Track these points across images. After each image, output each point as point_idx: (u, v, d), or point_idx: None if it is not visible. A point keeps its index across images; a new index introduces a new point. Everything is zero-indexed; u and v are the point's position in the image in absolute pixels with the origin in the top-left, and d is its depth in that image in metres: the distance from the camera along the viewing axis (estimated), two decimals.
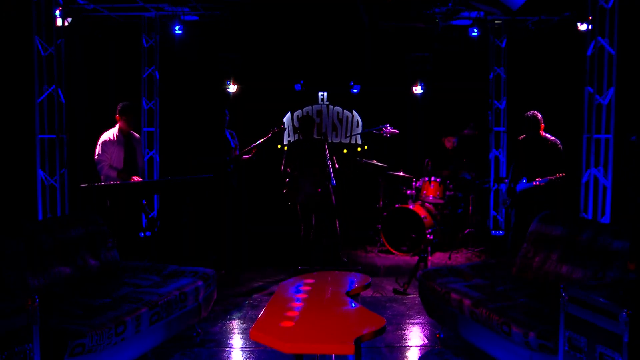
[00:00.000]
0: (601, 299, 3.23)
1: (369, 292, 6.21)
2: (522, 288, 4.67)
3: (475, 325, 4.37)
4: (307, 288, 4.45)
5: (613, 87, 6.44)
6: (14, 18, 6.74)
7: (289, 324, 3.65)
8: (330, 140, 10.43)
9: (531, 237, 5.06)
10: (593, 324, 3.25)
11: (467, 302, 4.41)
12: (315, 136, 7.50)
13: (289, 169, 7.25)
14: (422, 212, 8.36)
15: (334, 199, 7.08)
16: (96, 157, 6.75)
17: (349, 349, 3.30)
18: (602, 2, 6.40)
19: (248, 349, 4.79)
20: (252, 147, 7.72)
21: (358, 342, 3.36)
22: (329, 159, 6.77)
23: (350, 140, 10.52)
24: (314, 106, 10.62)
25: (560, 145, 6.71)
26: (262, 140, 7.66)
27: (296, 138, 10.57)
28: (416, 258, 7.09)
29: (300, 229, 7.39)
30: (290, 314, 3.84)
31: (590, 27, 6.73)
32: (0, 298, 3.84)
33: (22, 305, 3.27)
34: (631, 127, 7.00)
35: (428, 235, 8.18)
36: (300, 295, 4.25)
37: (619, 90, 6.44)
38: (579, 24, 7.95)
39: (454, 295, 4.58)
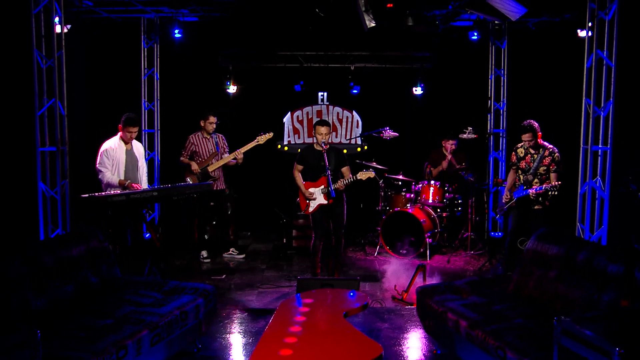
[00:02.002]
0: (594, 335, 3.28)
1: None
2: (518, 307, 4.71)
3: (471, 347, 4.42)
4: (306, 309, 4.51)
5: (612, 99, 6.45)
6: (14, 30, 6.73)
7: (287, 352, 3.71)
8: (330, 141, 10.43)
9: (528, 255, 5.11)
10: (586, 358, 3.31)
11: (463, 323, 4.46)
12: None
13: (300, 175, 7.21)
14: (421, 216, 8.41)
15: (345, 209, 7.03)
16: (97, 165, 6.77)
17: None
18: (602, 14, 6.39)
19: None
20: (237, 153, 7.81)
21: None
22: (329, 168, 6.73)
23: (350, 141, 10.54)
24: (314, 106, 10.62)
25: (558, 153, 6.74)
26: (248, 146, 7.83)
27: (295, 139, 10.59)
28: (415, 262, 7.15)
29: (310, 237, 7.36)
30: (288, 340, 3.90)
31: (590, 33, 6.74)
32: (3, 324, 3.93)
33: (25, 340, 3.32)
34: (629, 139, 7.02)
35: (427, 239, 8.25)
36: (298, 318, 4.31)
37: (617, 102, 6.45)
38: (578, 31, 7.93)
39: (450, 315, 4.63)
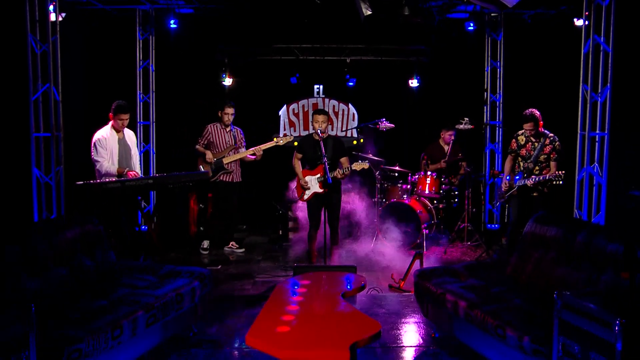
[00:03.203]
0: (595, 307, 3.25)
1: (364, 289, 6.23)
2: (516, 290, 4.70)
3: (470, 327, 4.40)
4: (303, 290, 4.47)
5: (609, 85, 6.44)
6: (7, 15, 6.67)
7: (284, 329, 3.67)
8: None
9: (526, 238, 5.09)
10: (587, 331, 3.28)
11: (462, 304, 4.43)
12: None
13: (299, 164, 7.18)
14: (417, 207, 8.38)
15: (341, 200, 7.03)
16: (94, 156, 6.62)
17: (345, 356, 3.32)
18: None
19: (245, 350, 4.80)
20: (257, 149, 7.78)
21: (353, 348, 3.38)
22: (325, 155, 6.67)
23: (346, 134, 10.50)
24: (309, 99, 10.58)
25: (558, 142, 6.73)
26: (268, 145, 7.85)
27: (291, 132, 10.55)
28: (412, 252, 7.12)
29: (306, 229, 7.33)
30: (286, 318, 3.86)
31: (586, 22, 6.73)
32: None
33: (19, 314, 3.27)
34: (627, 125, 7.01)
35: (424, 230, 8.21)
36: (296, 298, 4.27)
37: (615, 88, 6.44)
38: (575, 20, 7.92)
39: (449, 297, 4.60)
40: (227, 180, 7.98)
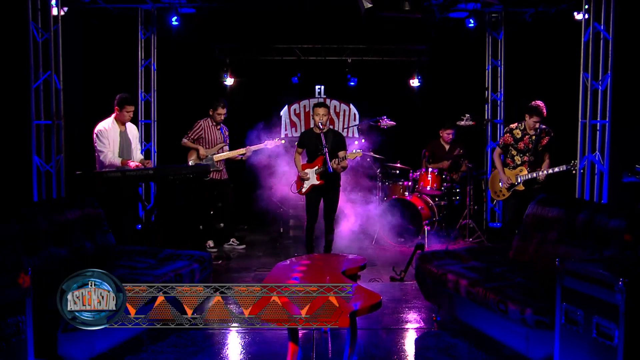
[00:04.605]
0: (598, 270, 3.22)
1: (365, 279, 6.21)
2: (518, 270, 4.66)
3: (471, 306, 4.35)
4: (303, 268, 4.44)
5: (609, 72, 6.44)
6: (9, 2, 6.70)
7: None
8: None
9: (528, 220, 5.05)
10: (589, 295, 3.25)
11: (463, 282, 4.40)
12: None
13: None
14: (419, 203, 8.35)
15: (339, 196, 7.02)
16: (98, 147, 6.59)
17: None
18: None
19: (243, 331, 4.77)
20: (247, 149, 7.82)
21: (353, 315, 3.35)
22: (325, 146, 6.65)
23: (347, 133, 10.50)
24: (311, 99, 10.60)
25: (552, 134, 6.70)
26: (258, 146, 7.97)
27: (293, 132, 10.56)
28: (412, 249, 7.07)
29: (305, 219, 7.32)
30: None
31: (586, 16, 6.75)
32: None
33: (16, 278, 3.24)
34: (628, 112, 6.99)
35: (425, 227, 8.18)
36: (296, 274, 4.23)
37: (615, 76, 6.44)
38: (575, 13, 7.94)
39: (450, 276, 4.56)
40: (218, 178, 8.00)
